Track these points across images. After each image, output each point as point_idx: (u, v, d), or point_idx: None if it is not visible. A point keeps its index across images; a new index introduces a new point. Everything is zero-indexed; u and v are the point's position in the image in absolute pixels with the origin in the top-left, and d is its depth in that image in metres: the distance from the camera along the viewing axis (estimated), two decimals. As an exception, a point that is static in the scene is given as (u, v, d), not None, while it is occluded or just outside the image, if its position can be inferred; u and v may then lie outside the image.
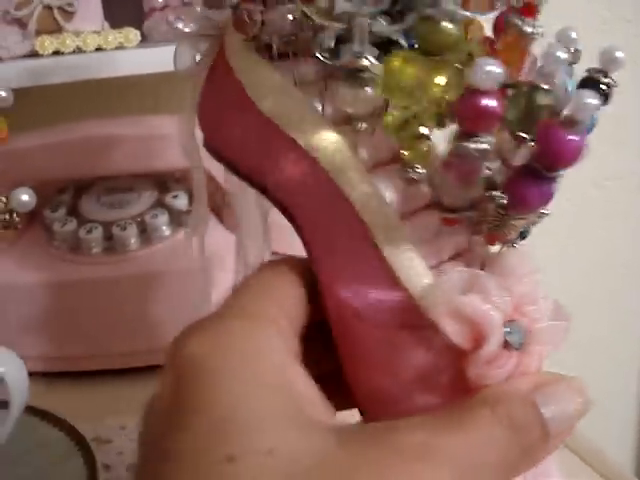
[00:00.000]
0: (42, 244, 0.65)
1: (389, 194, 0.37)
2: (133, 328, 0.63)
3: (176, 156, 0.63)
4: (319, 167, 0.37)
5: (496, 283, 0.33)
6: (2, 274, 0.64)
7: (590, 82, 0.33)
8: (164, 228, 0.64)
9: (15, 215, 0.36)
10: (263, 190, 0.40)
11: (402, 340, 0.34)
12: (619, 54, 0.32)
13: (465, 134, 0.32)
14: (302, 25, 0.39)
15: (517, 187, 0.32)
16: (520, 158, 0.33)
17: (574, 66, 0.33)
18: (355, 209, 0.36)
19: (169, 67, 0.64)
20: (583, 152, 0.30)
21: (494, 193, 0.34)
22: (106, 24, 0.70)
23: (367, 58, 0.36)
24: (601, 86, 0.32)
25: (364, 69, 0.36)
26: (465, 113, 0.31)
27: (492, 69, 0.30)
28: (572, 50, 0.33)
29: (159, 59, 0.64)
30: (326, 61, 0.37)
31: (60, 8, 0.68)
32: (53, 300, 0.62)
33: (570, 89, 0.31)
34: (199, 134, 0.43)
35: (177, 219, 0.65)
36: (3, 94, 0.38)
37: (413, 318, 0.34)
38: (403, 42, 0.36)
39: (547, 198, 0.32)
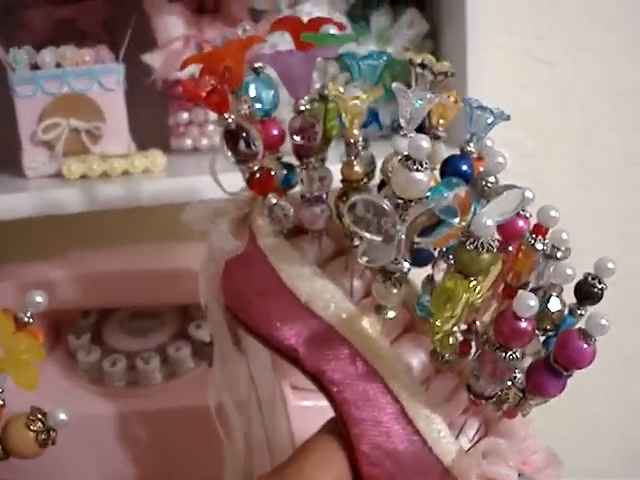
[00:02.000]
0: (65, 370, 0.66)
1: (415, 363, 0.42)
2: (155, 462, 0.63)
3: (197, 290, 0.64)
4: (354, 349, 0.41)
5: (508, 447, 0.39)
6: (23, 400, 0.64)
7: (585, 286, 0.38)
8: (187, 361, 0.64)
9: (52, 432, 0.36)
10: (293, 361, 0.43)
11: None
12: (610, 265, 0.38)
13: (502, 346, 0.36)
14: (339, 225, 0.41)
15: (538, 379, 0.37)
16: (533, 347, 0.39)
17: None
18: (390, 387, 0.41)
19: (193, 197, 0.65)
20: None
21: (516, 376, 0.38)
22: (132, 144, 0.70)
23: (402, 263, 0.38)
24: (595, 290, 0.38)
25: (398, 271, 0.38)
26: (505, 332, 0.36)
27: (532, 303, 0.34)
28: (563, 249, 0.39)
29: (184, 189, 0.65)
30: (365, 264, 0.39)
31: (87, 131, 0.69)
32: (73, 431, 0.62)
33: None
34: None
35: (200, 351, 0.65)
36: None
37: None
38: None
39: (562, 389, 0.37)
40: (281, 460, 0.41)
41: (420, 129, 0.42)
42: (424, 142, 0.34)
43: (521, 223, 0.41)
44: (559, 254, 0.39)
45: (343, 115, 0.38)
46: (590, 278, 0.38)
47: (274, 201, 0.41)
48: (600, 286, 0.38)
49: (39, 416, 0.37)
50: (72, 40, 0.69)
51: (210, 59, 0.41)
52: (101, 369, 0.63)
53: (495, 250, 0.35)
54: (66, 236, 0.78)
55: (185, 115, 0.75)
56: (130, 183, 0.65)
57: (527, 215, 0.40)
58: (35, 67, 0.67)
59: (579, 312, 0.39)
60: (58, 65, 0.67)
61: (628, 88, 0.94)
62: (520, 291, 0.35)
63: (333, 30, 0.45)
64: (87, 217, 0.66)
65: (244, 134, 0.39)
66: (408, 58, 0.41)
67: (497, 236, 0.41)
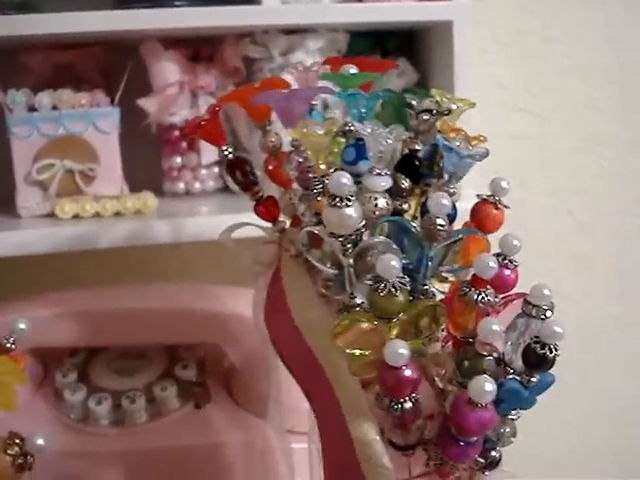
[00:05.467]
0: (51, 409, 0.65)
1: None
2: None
3: (187, 331, 0.65)
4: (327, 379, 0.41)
5: None
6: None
7: (530, 351, 0.35)
8: (173, 401, 0.64)
9: (29, 457, 0.37)
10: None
11: None
12: (557, 328, 0.34)
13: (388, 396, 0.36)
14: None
15: (444, 445, 0.36)
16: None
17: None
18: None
19: (184, 238, 0.66)
20: (490, 425, 0.34)
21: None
22: (125, 186, 0.72)
23: (356, 299, 0.40)
24: (542, 354, 0.35)
25: (356, 305, 0.39)
26: (386, 384, 0.35)
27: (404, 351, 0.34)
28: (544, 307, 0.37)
29: (175, 230, 0.66)
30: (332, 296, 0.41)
31: (81, 172, 0.70)
32: (58, 470, 0.62)
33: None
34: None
35: (186, 391, 0.65)
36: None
37: None
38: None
39: (472, 455, 0.36)
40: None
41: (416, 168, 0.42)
42: (345, 179, 0.35)
43: (507, 272, 0.39)
44: (541, 312, 0.36)
45: (308, 152, 0.39)
46: (535, 343, 0.35)
47: (284, 225, 0.45)
48: (542, 352, 0.35)
49: (16, 441, 0.37)
50: (69, 84, 0.71)
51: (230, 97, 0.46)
52: (86, 407, 0.63)
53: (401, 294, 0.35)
54: (56, 274, 0.79)
55: (178, 159, 0.76)
56: (121, 223, 0.66)
57: (515, 265, 0.39)
58: (32, 109, 0.68)
59: (528, 379, 0.36)
60: (55, 107, 0.68)
61: (612, 138, 0.96)
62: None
63: (353, 70, 0.46)
64: (78, 256, 0.67)
65: (241, 164, 0.41)
66: (401, 96, 0.42)
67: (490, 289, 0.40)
